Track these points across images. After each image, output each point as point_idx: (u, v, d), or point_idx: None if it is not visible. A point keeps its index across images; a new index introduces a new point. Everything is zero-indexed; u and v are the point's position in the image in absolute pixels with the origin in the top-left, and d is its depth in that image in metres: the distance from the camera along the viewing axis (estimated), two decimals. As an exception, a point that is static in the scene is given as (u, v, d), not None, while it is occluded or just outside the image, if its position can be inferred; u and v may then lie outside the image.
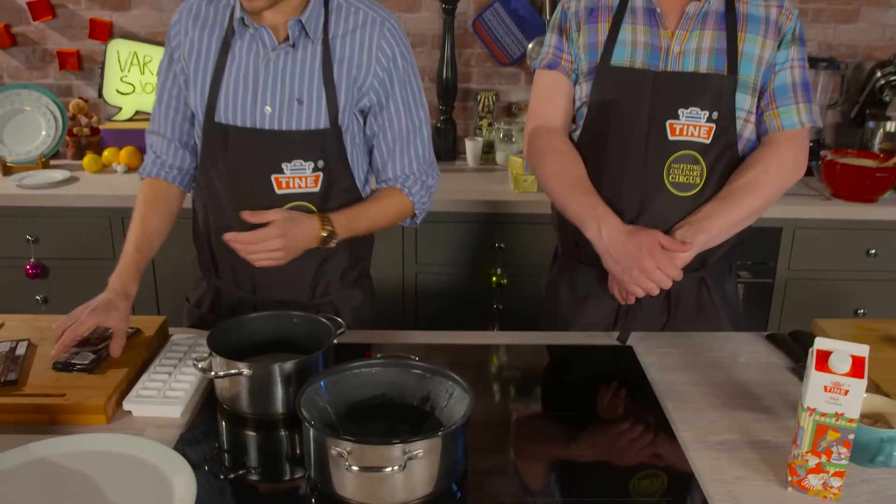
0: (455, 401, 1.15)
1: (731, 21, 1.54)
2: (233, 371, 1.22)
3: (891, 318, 1.69)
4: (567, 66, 1.65)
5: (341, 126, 1.51)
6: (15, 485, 1.05)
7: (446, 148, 3.09)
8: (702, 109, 1.53)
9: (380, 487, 1.03)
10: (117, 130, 2.98)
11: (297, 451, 1.19)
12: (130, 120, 3.06)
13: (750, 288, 2.68)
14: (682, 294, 1.66)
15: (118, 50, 3.04)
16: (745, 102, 1.55)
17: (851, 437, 1.06)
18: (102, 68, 3.05)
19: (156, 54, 3.03)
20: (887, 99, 3.00)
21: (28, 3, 3.03)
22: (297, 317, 1.39)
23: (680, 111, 1.54)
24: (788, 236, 2.64)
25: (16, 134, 2.93)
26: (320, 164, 1.50)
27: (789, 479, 1.11)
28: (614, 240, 1.51)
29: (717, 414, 1.31)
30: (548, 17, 3.01)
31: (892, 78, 2.96)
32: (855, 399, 1.04)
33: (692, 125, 1.54)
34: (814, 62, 2.91)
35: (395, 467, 1.00)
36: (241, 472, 1.15)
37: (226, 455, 1.20)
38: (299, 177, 1.50)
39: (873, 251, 2.65)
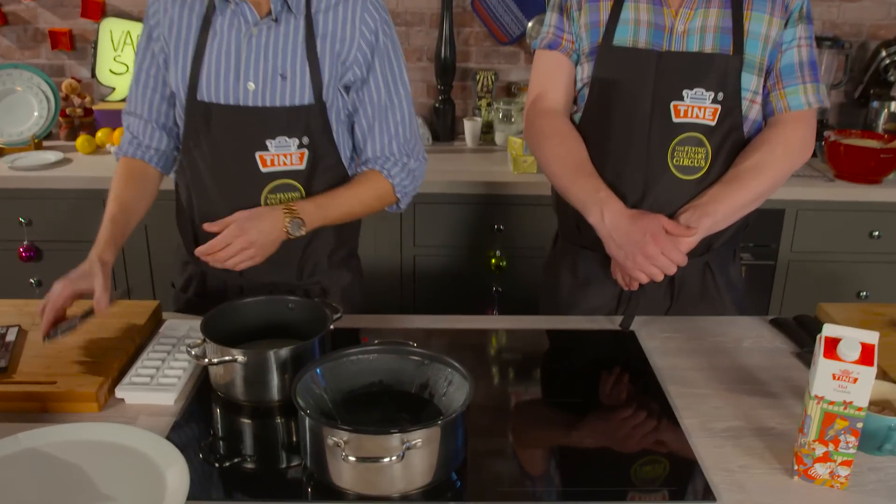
0: (455, 388, 1.12)
1: None
2: (227, 358, 1.19)
3: (896, 302, 1.66)
4: (568, 47, 1.61)
5: (326, 102, 1.49)
6: (3, 476, 1.02)
7: (444, 128, 3.06)
8: (707, 90, 1.50)
9: (377, 477, 1.01)
10: (111, 111, 2.94)
11: (293, 439, 1.17)
12: (124, 100, 2.99)
13: (752, 270, 2.66)
14: (686, 279, 1.63)
15: (111, 29, 2.99)
16: (751, 83, 1.51)
17: (860, 425, 1.04)
18: (95, 48, 3.01)
19: (149, 33, 2.98)
20: (892, 79, 2.96)
21: (19, -19, 2.99)
22: (292, 302, 1.37)
23: (684, 92, 1.50)
24: (791, 218, 2.61)
25: (7, 115, 2.89)
26: (305, 140, 1.48)
27: (795, 467, 1.09)
28: (617, 225, 1.48)
29: (721, 400, 1.29)
30: (548, -5, 2.96)
31: (897, 57, 2.93)
32: (864, 387, 1.02)
33: (697, 107, 1.51)
34: (818, 41, 2.86)
35: (394, 457, 0.97)
36: (235, 460, 1.13)
37: (220, 443, 1.17)
38: (284, 154, 1.48)
39: (877, 233, 2.62)
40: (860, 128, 2.99)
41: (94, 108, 3.00)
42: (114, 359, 1.29)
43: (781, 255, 2.66)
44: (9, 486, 1.00)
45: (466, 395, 1.06)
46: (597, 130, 1.59)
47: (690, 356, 1.43)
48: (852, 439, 1.04)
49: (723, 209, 1.49)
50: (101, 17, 3.02)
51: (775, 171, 1.52)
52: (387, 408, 1.17)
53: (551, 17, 1.63)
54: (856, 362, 1.02)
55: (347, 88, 1.53)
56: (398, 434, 0.98)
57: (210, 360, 1.21)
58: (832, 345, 1.04)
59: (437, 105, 3.05)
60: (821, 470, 1.07)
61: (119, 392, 1.23)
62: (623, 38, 1.53)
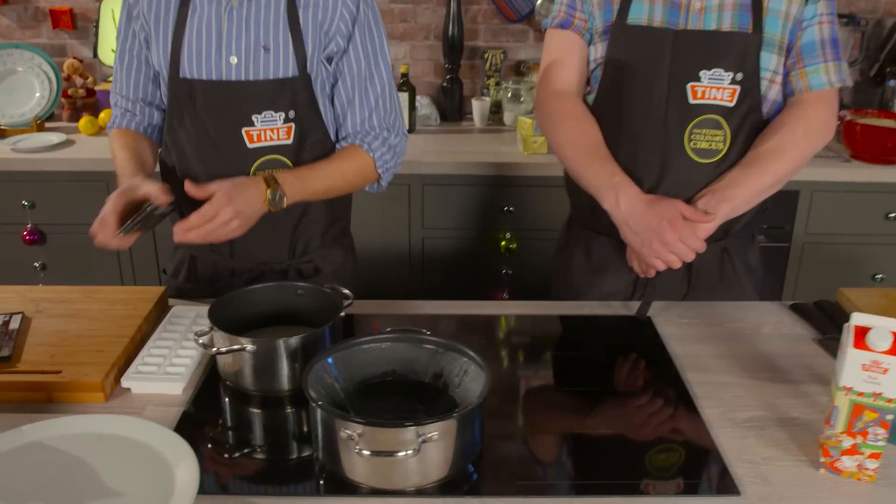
0: (470, 378, 1.09)
1: None
2: (235, 347, 1.16)
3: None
4: (580, 25, 1.56)
5: (310, 74, 1.46)
6: (7, 470, 0.99)
7: (452, 108, 3.01)
8: (725, 70, 1.45)
9: (392, 471, 0.98)
10: (114, 91, 2.89)
11: (304, 430, 1.14)
12: (127, 80, 2.96)
13: (765, 252, 2.58)
14: (704, 265, 1.59)
15: (112, 8, 2.94)
16: (770, 62, 1.47)
17: (890, 417, 1.00)
18: (97, 27, 2.96)
19: (152, 12, 2.93)
20: (909, 56, 2.90)
21: (18, -41, 2.93)
22: (301, 288, 1.33)
23: (702, 73, 1.46)
24: (806, 199, 2.57)
25: (9, 96, 2.84)
26: (291, 114, 1.46)
27: (822, 459, 1.06)
28: (633, 210, 1.44)
29: (743, 389, 1.25)
30: (558, -28, 2.90)
31: (915, 34, 2.87)
32: (895, 378, 0.98)
33: (715, 87, 1.46)
34: (833, 18, 2.80)
35: (409, 451, 0.94)
36: (245, 450, 1.10)
37: (229, 433, 1.15)
38: (270, 129, 1.45)
39: (893, 215, 2.58)
40: (876, 107, 2.94)
41: (96, 88, 2.96)
42: (120, 347, 1.26)
43: (796, 238, 2.62)
44: (13, 481, 0.97)
45: (483, 386, 1.03)
46: (611, 113, 1.55)
47: (709, 343, 1.40)
48: (882, 431, 1.01)
49: (742, 194, 1.45)
50: (103, -5, 2.97)
51: (796, 154, 1.47)
52: (400, 398, 1.14)
53: None
54: (886, 352, 0.98)
55: (330, 60, 1.50)
56: (413, 427, 0.95)
57: (218, 348, 1.18)
58: (861, 334, 1.00)
59: (444, 84, 3.00)
60: (848, 462, 1.04)
61: (125, 381, 1.21)
62: (638, 16, 1.49)
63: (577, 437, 1.14)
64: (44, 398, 1.16)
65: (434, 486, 1.00)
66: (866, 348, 0.99)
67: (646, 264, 1.49)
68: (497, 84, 3.04)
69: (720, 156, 1.49)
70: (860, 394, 1.00)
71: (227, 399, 1.22)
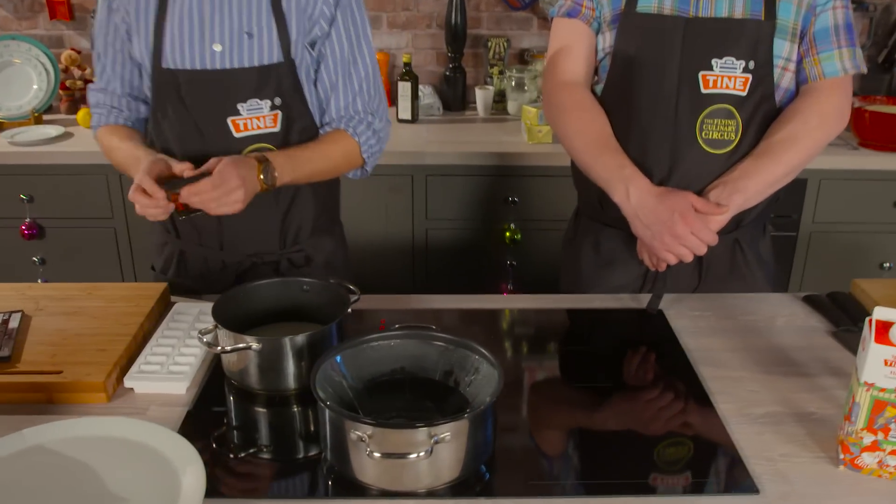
0: (482, 376, 1.06)
1: None
2: (241, 345, 1.14)
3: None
4: (588, 14, 1.53)
5: (295, 59, 1.44)
6: (7, 476, 0.96)
7: (455, 97, 2.98)
8: (737, 59, 1.42)
9: (403, 473, 0.96)
10: (112, 83, 2.86)
11: (311, 429, 1.12)
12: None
13: (773, 242, 2.58)
14: (715, 257, 1.56)
15: (110, -3, 2.90)
16: (783, 49, 1.44)
17: (913, 413, 0.98)
18: (94, 17, 2.92)
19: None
20: (917, 42, 2.87)
21: (14, -51, 2.89)
22: (307, 283, 1.31)
23: (714, 61, 1.42)
24: (814, 188, 2.54)
25: (6, 88, 2.81)
26: (277, 101, 1.44)
27: (841, 456, 1.03)
28: (644, 203, 1.41)
29: (758, 383, 1.23)
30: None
31: (923, 19, 2.83)
32: (919, 373, 0.96)
33: (727, 76, 1.43)
34: (841, 3, 2.76)
35: (421, 453, 0.92)
36: (251, 450, 1.08)
37: (235, 433, 1.12)
38: (257, 117, 1.43)
39: (902, 202, 2.55)
40: (884, 93, 2.90)
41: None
42: (122, 346, 1.23)
43: (803, 227, 2.59)
44: (14, 487, 0.94)
45: (496, 385, 1.00)
46: (620, 103, 1.51)
47: (722, 336, 1.37)
48: (904, 428, 0.99)
49: (754, 185, 1.42)
50: (100, -15, 2.92)
51: (810, 143, 1.44)
52: (410, 396, 1.12)
53: None
54: (910, 347, 0.96)
55: (313, 45, 1.48)
56: (426, 428, 0.92)
57: (223, 347, 1.15)
58: (884, 329, 0.98)
59: (447, 73, 2.97)
60: (868, 459, 1.02)
61: (128, 381, 1.18)
62: (647, 3, 1.45)
63: (590, 433, 1.12)
64: (44, 399, 1.14)
65: (446, 487, 0.98)
66: (889, 343, 0.96)
67: (657, 258, 1.46)
68: (501, 73, 3.00)
69: (732, 146, 1.46)
70: (882, 389, 0.98)
71: (231, 398, 1.19)
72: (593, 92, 1.58)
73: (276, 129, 1.45)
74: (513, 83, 2.88)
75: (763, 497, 0.98)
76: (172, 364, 1.21)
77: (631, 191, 1.42)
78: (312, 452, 1.07)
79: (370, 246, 2.61)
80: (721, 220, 1.41)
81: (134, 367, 1.20)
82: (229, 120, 1.42)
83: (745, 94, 1.44)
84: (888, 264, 2.64)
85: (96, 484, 0.95)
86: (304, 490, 1.00)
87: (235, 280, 1.57)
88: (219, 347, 1.15)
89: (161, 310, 1.40)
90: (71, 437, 1.02)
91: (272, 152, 1.42)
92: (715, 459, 1.06)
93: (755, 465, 1.04)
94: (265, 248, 1.56)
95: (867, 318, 1.00)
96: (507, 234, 2.60)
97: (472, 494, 0.98)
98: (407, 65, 2.78)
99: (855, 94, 2.75)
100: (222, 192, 1.29)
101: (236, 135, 1.43)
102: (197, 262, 1.58)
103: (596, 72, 1.59)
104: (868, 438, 1.01)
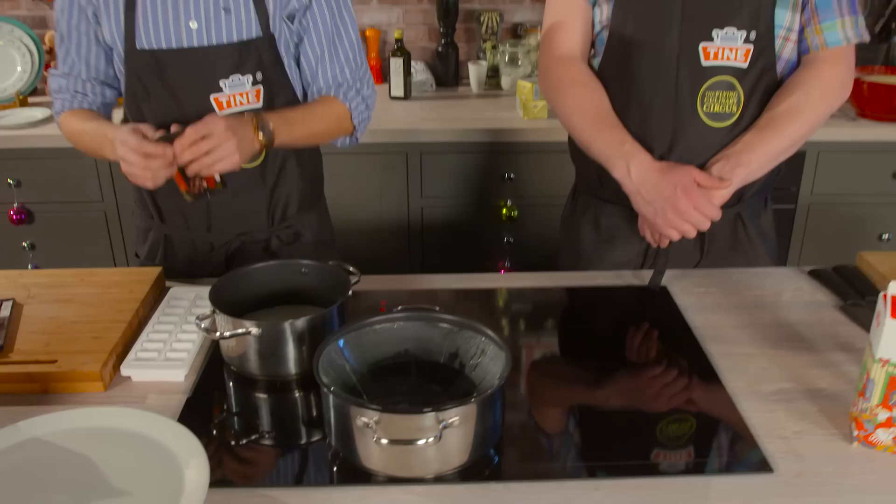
0: (489, 358, 1.04)
1: None
2: (239, 331, 1.11)
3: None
4: None
5: (274, 33, 1.41)
6: (3, 470, 0.93)
7: (448, 73, 2.94)
8: (738, 29, 1.39)
9: (411, 459, 0.93)
10: (98, 63, 2.80)
11: (314, 414, 1.10)
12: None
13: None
14: (717, 231, 1.54)
15: (93, -24, 2.83)
16: (785, 19, 1.40)
17: (929, 389, 0.96)
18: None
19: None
20: (914, 10, 2.83)
21: (-7, -74, 2.82)
22: (305, 266, 1.28)
23: (714, 32, 1.39)
24: (812, 160, 2.51)
25: (-11, 70, 2.75)
26: (259, 76, 1.41)
27: (855, 433, 1.02)
28: (645, 179, 1.39)
29: (767, 360, 1.21)
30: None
31: (920, -13, 2.79)
32: (935, 348, 0.94)
33: (728, 48, 1.40)
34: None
35: (430, 439, 0.89)
36: (253, 437, 1.05)
37: (235, 420, 1.10)
38: (239, 93, 1.41)
39: (900, 173, 2.53)
40: (881, 63, 2.88)
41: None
42: (117, 333, 1.20)
43: (802, 199, 2.57)
44: (10, 481, 0.91)
45: (504, 367, 0.97)
46: (619, 77, 1.48)
47: (728, 312, 1.35)
48: (920, 404, 0.97)
49: (757, 158, 1.40)
50: (83, -37, 2.86)
51: (812, 115, 1.42)
52: (415, 379, 1.10)
53: None
54: (927, 322, 0.94)
55: (291, 18, 1.45)
56: (433, 413, 0.90)
57: (221, 333, 1.12)
58: (899, 303, 0.96)
59: (439, 49, 2.92)
60: (883, 436, 1.00)
61: (125, 370, 1.15)
62: None
63: (599, 414, 1.10)
64: (39, 389, 1.11)
65: (454, 472, 0.95)
66: (905, 318, 0.94)
67: (659, 234, 1.44)
68: (494, 47, 2.95)
69: (734, 119, 1.43)
70: (898, 365, 0.96)
71: (231, 384, 1.16)
72: (590, 66, 1.55)
73: (259, 104, 1.43)
74: (506, 58, 2.84)
75: (777, 476, 0.96)
76: (170, 351, 1.18)
77: (632, 167, 1.39)
78: (315, 438, 1.05)
79: (365, 225, 2.58)
80: (724, 194, 1.39)
81: (130, 355, 1.17)
82: (212, 98, 1.40)
83: (746, 65, 1.41)
84: (887, 235, 2.63)
85: (97, 477, 0.92)
86: (309, 477, 0.98)
87: (225, 261, 1.54)
88: (217, 333, 1.13)
89: (156, 295, 1.37)
90: (69, 429, 0.99)
91: (267, 112, 1.39)
92: (727, 439, 1.04)
93: (768, 444, 1.02)
94: (254, 226, 1.54)
95: (881, 294, 0.98)
96: (504, 211, 2.57)
97: (481, 479, 0.96)
98: (398, 41, 2.73)
99: (852, 65, 2.72)
100: (211, 143, 1.25)
101: (219, 112, 1.40)
102: (184, 246, 1.55)
103: (593, 45, 1.55)
104: (883, 415, 0.99)
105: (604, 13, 1.48)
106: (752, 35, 1.40)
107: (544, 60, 1.56)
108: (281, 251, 1.57)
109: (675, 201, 1.36)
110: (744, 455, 1.00)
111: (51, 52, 2.87)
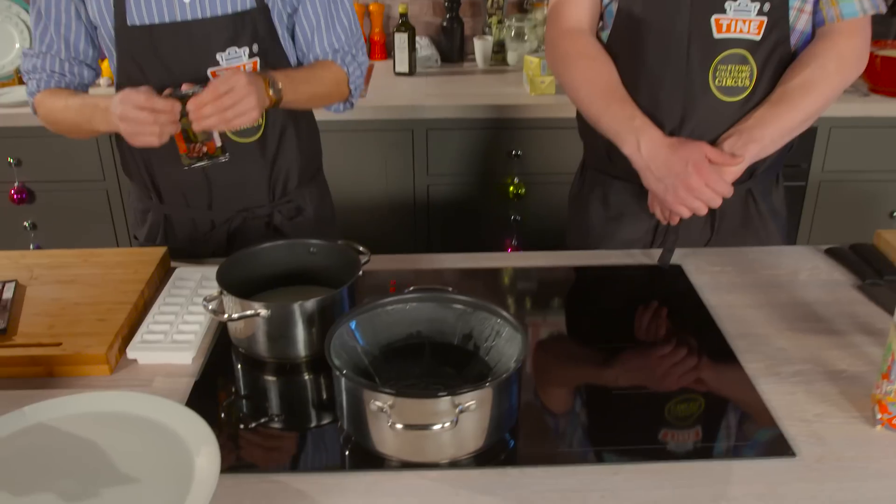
0: (504, 340, 1.01)
1: None
2: (248, 312, 1.08)
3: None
4: None
5: (267, 3, 1.39)
6: (8, 456, 0.91)
7: (453, 49, 2.90)
8: (752, 0, 1.35)
9: (426, 444, 0.91)
10: (97, 39, 2.76)
11: (324, 397, 1.07)
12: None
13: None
14: (728, 208, 1.51)
15: (92, -51, 2.78)
16: None
17: (956, 371, 0.94)
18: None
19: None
20: (928, -17, 2.78)
21: None
22: (314, 245, 1.25)
23: (727, 4, 1.36)
24: (823, 136, 2.48)
25: (-13, 47, 2.71)
26: (255, 48, 1.39)
27: (878, 416, 0.99)
28: (655, 155, 1.35)
29: (785, 341, 1.19)
30: None
31: (934, -41, 2.74)
32: (964, 329, 0.91)
33: (741, 20, 1.36)
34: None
35: (447, 423, 0.87)
36: (262, 420, 1.03)
37: (244, 402, 1.08)
38: (237, 66, 1.39)
39: (914, 149, 2.50)
40: (893, 37, 2.83)
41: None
42: (122, 315, 1.17)
43: (812, 176, 2.54)
44: (16, 467, 0.89)
45: (521, 349, 0.95)
46: (628, 51, 1.45)
47: (744, 292, 1.33)
48: (946, 386, 0.95)
49: (770, 133, 1.37)
50: (81, -64, 2.80)
51: (827, 88, 1.38)
52: (428, 362, 1.07)
53: None
54: (956, 302, 0.91)
55: None
56: (449, 397, 0.87)
57: (229, 315, 1.10)
58: (927, 283, 0.93)
59: (444, 24, 2.87)
60: (907, 419, 0.98)
61: (131, 352, 1.13)
62: None
63: (617, 397, 1.07)
64: (44, 373, 1.09)
65: (470, 457, 0.93)
66: (933, 298, 0.92)
67: (669, 211, 1.41)
68: (499, 22, 2.90)
69: (746, 93, 1.40)
70: (924, 347, 0.94)
71: (239, 367, 1.14)
72: (599, 39, 1.51)
73: None
74: (512, 33, 2.80)
75: (800, 460, 0.94)
76: (176, 333, 1.16)
77: (642, 142, 1.36)
78: (326, 422, 1.03)
79: (370, 204, 2.55)
80: (736, 170, 1.36)
81: (136, 337, 1.15)
82: (209, 71, 1.37)
83: (759, 38, 1.37)
84: (898, 213, 2.60)
85: (104, 463, 0.90)
86: (321, 462, 0.96)
87: (227, 239, 1.51)
88: (225, 315, 1.10)
89: (161, 276, 1.34)
90: (75, 414, 0.96)
91: (271, 71, 1.37)
92: (748, 422, 1.01)
93: (789, 427, 1.00)
94: (255, 201, 1.52)
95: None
96: (511, 188, 2.54)
97: (497, 464, 0.94)
98: (403, 15, 2.69)
99: (865, 39, 2.68)
100: (234, 97, 1.23)
101: None
102: (185, 226, 1.53)
103: (601, 18, 1.52)
104: (907, 397, 0.97)
105: None
106: (766, 6, 1.36)
107: (551, 34, 1.53)
108: (283, 226, 1.55)
109: (686, 178, 1.33)
110: (765, 439, 0.98)
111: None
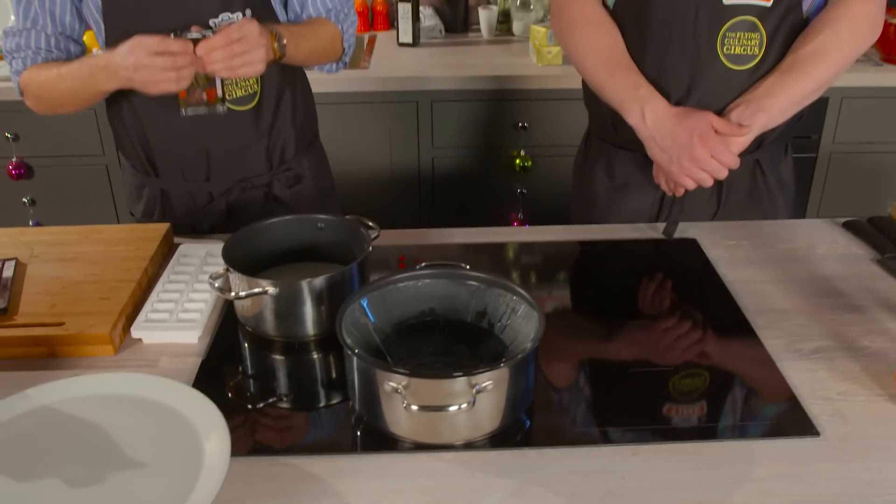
0: (520, 318, 0.99)
1: None
2: (256, 290, 1.05)
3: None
4: None
5: None
6: (12, 440, 0.89)
7: (457, 19, 2.85)
8: None
9: (441, 425, 0.89)
10: (94, 11, 2.71)
11: (335, 377, 1.05)
12: (108, -2, 2.77)
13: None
14: (735, 180, 1.47)
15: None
16: None
17: None
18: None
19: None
20: (942, -52, 2.72)
21: None
22: (322, 220, 1.22)
23: None
24: (835, 107, 2.43)
25: (-18, 18, 2.65)
26: (248, 13, 1.36)
27: (903, 393, 0.97)
28: (661, 125, 1.32)
29: (805, 317, 1.16)
30: None
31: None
32: None
33: None
34: None
35: (463, 405, 0.85)
36: (271, 400, 1.01)
37: (252, 382, 1.05)
38: None
39: (926, 120, 2.46)
40: (906, 5, 2.77)
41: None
42: (126, 293, 1.14)
43: (823, 148, 2.50)
44: (20, 452, 0.87)
45: (538, 327, 0.92)
46: (634, 17, 1.40)
47: (762, 266, 1.30)
48: (976, 363, 0.92)
49: (780, 102, 1.33)
50: None
51: (840, 56, 1.34)
52: (441, 340, 1.05)
53: None
54: None
55: None
56: (465, 377, 0.85)
57: (236, 293, 1.07)
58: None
59: (448, -7, 2.82)
60: (933, 396, 0.96)
61: (136, 332, 1.10)
62: None
63: (639, 375, 1.04)
64: (46, 353, 1.06)
65: (485, 438, 0.91)
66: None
67: (674, 182, 1.38)
68: (504, -9, 2.86)
69: (756, 61, 1.36)
70: (954, 323, 0.91)
71: (247, 346, 1.12)
72: (605, 6, 1.47)
73: None
74: (517, 2, 2.74)
75: (824, 439, 0.92)
76: (182, 311, 1.13)
77: (647, 112, 1.33)
78: (336, 401, 1.01)
79: (374, 177, 2.52)
80: (743, 141, 1.32)
81: (141, 316, 1.12)
82: (210, 21, 1.33)
83: (769, 4, 1.33)
84: (911, 185, 2.57)
85: (112, 446, 0.87)
86: (332, 443, 0.93)
87: (226, 211, 1.48)
88: (232, 293, 1.07)
89: (165, 252, 1.31)
90: (80, 396, 0.94)
91: (273, 24, 1.35)
92: (771, 401, 0.99)
93: (812, 405, 0.97)
94: (253, 171, 1.49)
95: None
96: (517, 161, 2.50)
97: (513, 445, 0.91)
98: (406, -16, 2.63)
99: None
100: (245, 46, 1.21)
101: None
102: (182, 199, 1.49)
103: (608, -17, 1.47)
104: (934, 374, 0.94)
105: None
106: None
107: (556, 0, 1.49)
108: (283, 195, 1.52)
109: (691, 149, 1.29)
110: (788, 418, 0.96)
111: None
